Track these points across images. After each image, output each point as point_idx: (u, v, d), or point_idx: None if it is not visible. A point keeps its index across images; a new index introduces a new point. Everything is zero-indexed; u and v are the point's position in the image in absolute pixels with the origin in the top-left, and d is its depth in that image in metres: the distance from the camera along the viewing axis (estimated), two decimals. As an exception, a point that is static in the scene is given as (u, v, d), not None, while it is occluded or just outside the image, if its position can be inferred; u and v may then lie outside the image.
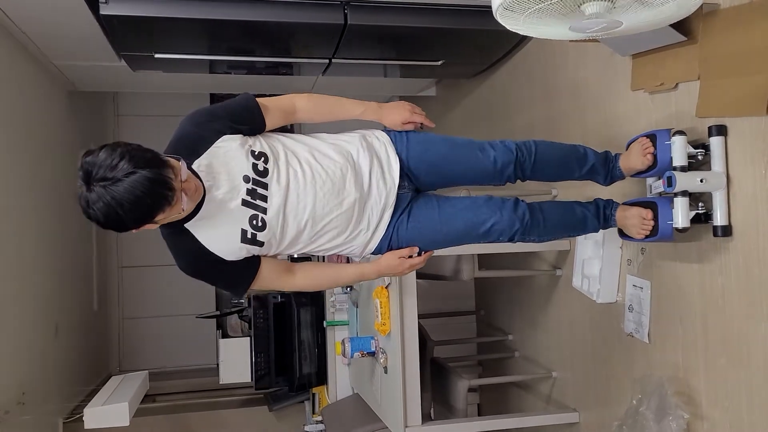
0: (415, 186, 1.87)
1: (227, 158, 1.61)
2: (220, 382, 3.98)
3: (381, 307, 2.61)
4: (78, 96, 4.12)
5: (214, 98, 5.38)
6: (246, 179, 1.61)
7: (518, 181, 1.96)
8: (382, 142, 1.83)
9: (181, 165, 1.48)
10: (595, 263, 2.49)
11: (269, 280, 1.74)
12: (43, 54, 3.19)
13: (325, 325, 3.64)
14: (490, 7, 1.51)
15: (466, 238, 1.87)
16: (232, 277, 1.70)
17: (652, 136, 1.98)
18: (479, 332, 3.90)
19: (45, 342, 3.47)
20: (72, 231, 4.07)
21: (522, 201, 1.90)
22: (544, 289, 3.04)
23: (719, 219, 1.88)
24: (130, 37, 2.84)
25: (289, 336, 3.79)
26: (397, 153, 1.82)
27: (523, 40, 3.14)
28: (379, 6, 2.80)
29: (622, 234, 2.07)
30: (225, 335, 4.70)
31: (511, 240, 1.89)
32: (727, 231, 1.87)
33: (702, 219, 1.91)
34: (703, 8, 1.90)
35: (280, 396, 4.09)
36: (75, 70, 3.52)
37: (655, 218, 1.94)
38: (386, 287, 2.60)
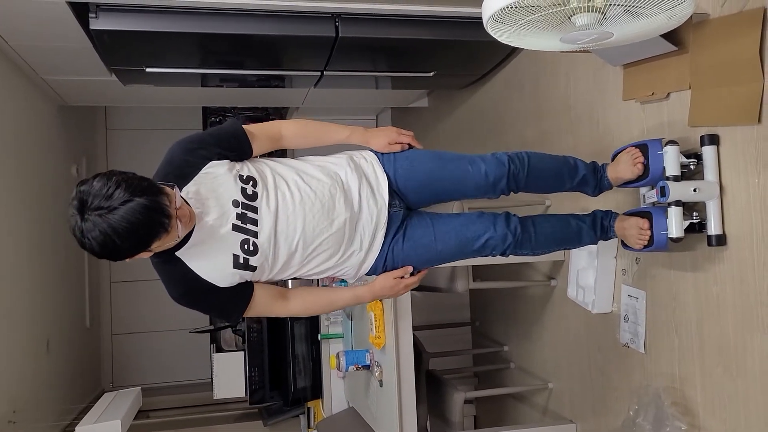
0: (405, 204, 1.86)
1: (215, 184, 1.60)
2: (214, 397, 3.95)
3: (375, 320, 2.59)
4: (68, 110, 4.10)
5: (206, 111, 5.38)
6: (235, 204, 1.60)
7: (511, 193, 1.95)
8: (369, 161, 1.83)
9: (175, 192, 1.47)
10: (589, 273, 2.49)
11: (263, 306, 1.71)
12: (32, 69, 3.18)
13: (319, 339, 3.61)
14: (481, 18, 1.51)
15: (461, 255, 1.87)
16: (225, 304, 1.67)
17: (642, 146, 1.98)
18: (475, 344, 3.88)
19: (37, 359, 3.43)
20: (63, 246, 4.04)
21: (513, 215, 1.90)
22: (539, 300, 3.03)
23: (713, 228, 1.88)
24: (121, 51, 2.83)
25: (284, 350, 3.77)
26: (385, 171, 1.81)
27: (514, 50, 3.15)
28: (371, 18, 2.80)
29: (623, 244, 2.07)
30: (219, 349, 4.66)
31: (503, 254, 1.90)
32: (721, 240, 1.87)
33: (696, 228, 1.91)
34: (693, 18, 1.91)
35: (274, 410, 4.06)
36: (65, 84, 3.51)
37: (651, 228, 1.93)
38: (380, 300, 2.58)
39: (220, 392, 3.90)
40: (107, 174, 1.41)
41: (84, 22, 2.56)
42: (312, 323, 3.76)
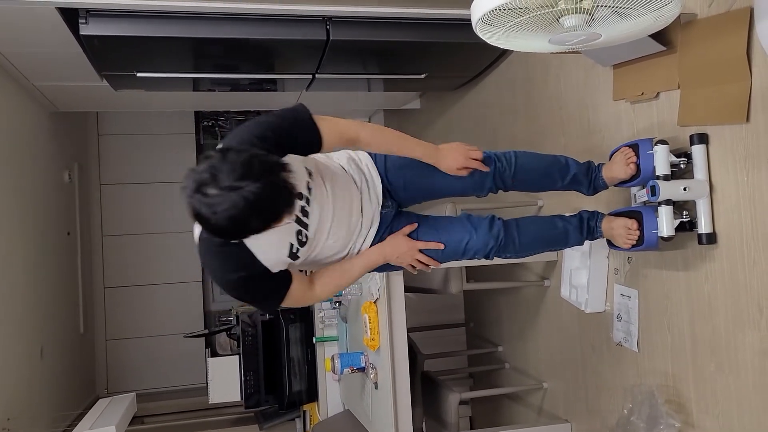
0: (397, 203, 1.88)
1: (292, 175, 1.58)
2: (210, 402, 3.93)
3: (370, 322, 2.60)
4: (59, 116, 4.09)
5: (199, 116, 5.37)
6: (300, 196, 1.61)
7: (500, 191, 1.97)
8: (364, 161, 1.85)
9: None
10: (582, 273, 2.50)
11: (297, 295, 1.71)
12: (23, 75, 3.17)
13: (314, 342, 3.61)
14: (471, 20, 1.52)
15: (444, 257, 1.89)
16: (272, 290, 1.67)
17: (634, 146, 1.99)
18: (469, 344, 3.89)
19: (30, 366, 3.42)
20: (56, 252, 4.03)
21: (498, 219, 1.91)
22: (532, 300, 3.04)
23: (703, 227, 1.89)
24: (111, 56, 2.82)
25: (279, 353, 3.76)
26: (378, 170, 1.84)
27: (505, 52, 3.16)
28: (361, 21, 2.80)
29: (610, 244, 2.08)
30: (214, 354, 4.65)
31: (487, 257, 1.91)
32: (711, 238, 1.88)
33: (687, 227, 1.92)
34: (681, 18, 1.92)
35: (270, 414, 4.05)
36: (56, 90, 3.50)
37: (641, 227, 1.94)
38: (375, 302, 2.59)
39: (216, 397, 3.89)
40: (236, 150, 1.37)
41: (74, 28, 2.55)
42: (307, 326, 3.75)
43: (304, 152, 1.64)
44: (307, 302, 1.79)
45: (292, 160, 1.59)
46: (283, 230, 1.58)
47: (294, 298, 1.71)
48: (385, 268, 1.90)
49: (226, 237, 1.41)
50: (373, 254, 1.80)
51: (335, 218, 1.70)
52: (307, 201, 1.63)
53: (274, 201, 1.36)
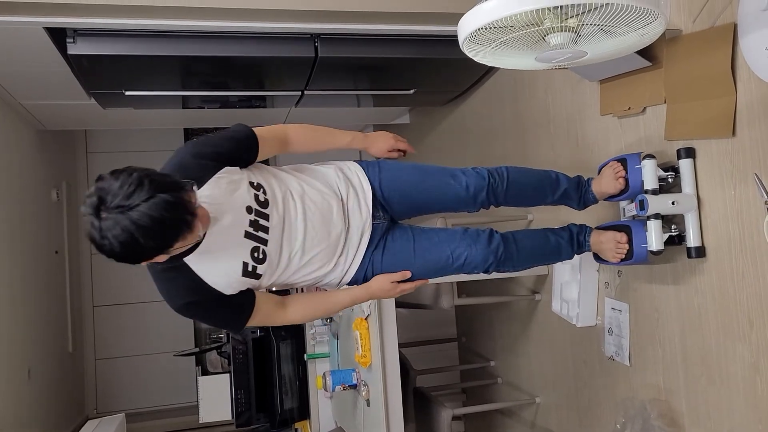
0: (390, 215, 1.87)
1: (229, 189, 1.56)
2: (200, 421, 3.89)
3: (361, 339, 2.58)
4: (47, 135, 4.07)
5: (188, 133, 5.35)
6: (249, 210, 1.57)
7: (492, 207, 1.97)
8: (354, 171, 1.84)
9: (195, 190, 1.41)
10: (573, 287, 2.50)
11: (265, 314, 1.68)
12: (10, 94, 3.15)
13: (305, 359, 3.59)
14: (457, 36, 1.52)
15: (441, 272, 1.87)
16: (230, 313, 1.63)
17: (622, 160, 2.01)
18: (462, 359, 3.88)
19: (18, 387, 3.37)
20: (44, 271, 3.99)
21: (496, 233, 1.90)
22: (524, 315, 3.03)
23: (692, 240, 1.90)
24: (99, 75, 2.82)
25: (270, 371, 3.73)
26: (370, 182, 1.83)
27: (493, 68, 3.17)
28: (349, 38, 2.81)
29: (597, 258, 2.09)
30: (204, 372, 4.60)
31: (486, 272, 1.90)
32: (700, 252, 1.89)
33: (676, 241, 1.93)
34: (666, 34, 1.94)
35: (262, 432, 4.01)
36: (44, 109, 3.49)
37: (630, 242, 1.95)
38: (366, 318, 2.57)
39: (206, 416, 3.85)
40: (127, 170, 1.33)
41: (62, 47, 2.55)
42: (298, 343, 3.73)
43: (248, 161, 1.65)
44: (275, 323, 1.76)
45: (228, 174, 1.57)
46: (232, 249, 1.55)
47: (260, 319, 1.67)
48: None
49: (126, 261, 1.35)
50: (358, 293, 1.80)
51: (308, 232, 1.66)
52: (261, 215, 1.59)
53: (168, 220, 1.31)
